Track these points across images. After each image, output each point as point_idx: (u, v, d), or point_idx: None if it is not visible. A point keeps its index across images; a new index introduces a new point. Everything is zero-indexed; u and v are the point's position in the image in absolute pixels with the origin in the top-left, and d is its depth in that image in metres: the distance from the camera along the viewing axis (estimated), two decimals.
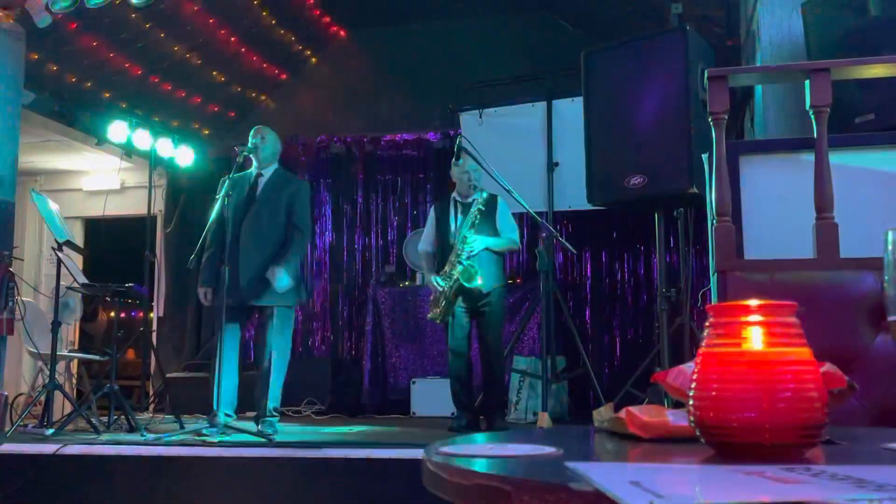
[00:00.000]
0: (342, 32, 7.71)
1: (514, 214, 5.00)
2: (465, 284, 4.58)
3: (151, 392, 6.65)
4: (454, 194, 4.91)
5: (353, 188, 7.48)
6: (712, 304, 0.94)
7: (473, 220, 4.71)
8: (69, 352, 6.27)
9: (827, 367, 0.91)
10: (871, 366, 1.49)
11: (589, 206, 4.74)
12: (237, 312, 4.39)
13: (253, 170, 4.61)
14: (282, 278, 4.29)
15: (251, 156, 4.53)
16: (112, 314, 6.77)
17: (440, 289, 4.65)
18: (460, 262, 4.61)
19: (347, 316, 7.33)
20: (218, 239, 4.44)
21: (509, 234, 4.80)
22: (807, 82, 2.07)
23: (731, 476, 0.66)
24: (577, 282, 6.87)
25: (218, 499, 3.60)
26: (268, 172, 4.58)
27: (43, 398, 4.66)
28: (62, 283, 4.87)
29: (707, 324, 0.87)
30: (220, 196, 4.36)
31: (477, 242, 4.65)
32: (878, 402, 1.47)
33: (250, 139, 4.54)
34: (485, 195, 4.73)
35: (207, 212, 4.66)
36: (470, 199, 4.78)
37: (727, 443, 0.82)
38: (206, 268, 4.49)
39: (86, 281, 5.08)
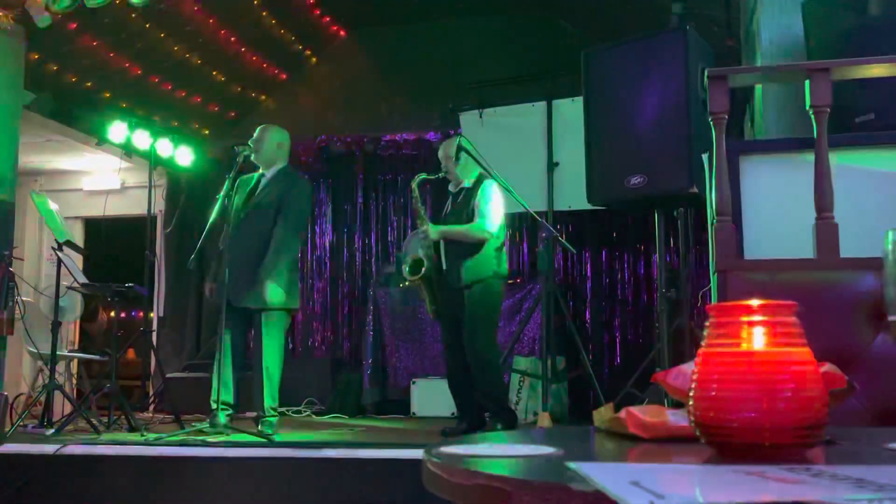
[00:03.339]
0: (342, 32, 7.71)
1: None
2: (406, 275, 4.40)
3: (151, 392, 6.65)
4: (450, 185, 4.69)
5: (353, 188, 7.48)
6: (712, 304, 0.94)
7: (448, 208, 4.58)
8: (69, 352, 6.28)
9: (827, 367, 0.91)
10: (871, 366, 1.48)
11: (589, 206, 4.73)
12: (236, 313, 4.38)
13: (259, 171, 4.60)
14: (272, 292, 4.26)
15: (252, 158, 4.51)
16: (112, 314, 6.76)
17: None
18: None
19: (347, 316, 7.33)
20: (217, 239, 4.43)
21: (477, 220, 4.39)
22: (807, 82, 2.07)
23: (731, 476, 0.66)
24: (577, 282, 6.87)
25: (218, 499, 3.60)
26: (271, 172, 4.56)
27: (43, 398, 4.66)
28: (62, 283, 4.87)
29: (707, 324, 0.87)
30: (220, 196, 4.35)
31: (430, 230, 4.42)
32: (878, 402, 1.47)
33: (250, 141, 4.53)
34: (470, 183, 4.48)
35: (207, 212, 4.65)
36: (458, 189, 4.60)
37: (727, 443, 0.82)
38: (208, 265, 4.52)
39: (86, 281, 5.08)
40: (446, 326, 4.56)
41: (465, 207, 4.48)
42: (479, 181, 4.49)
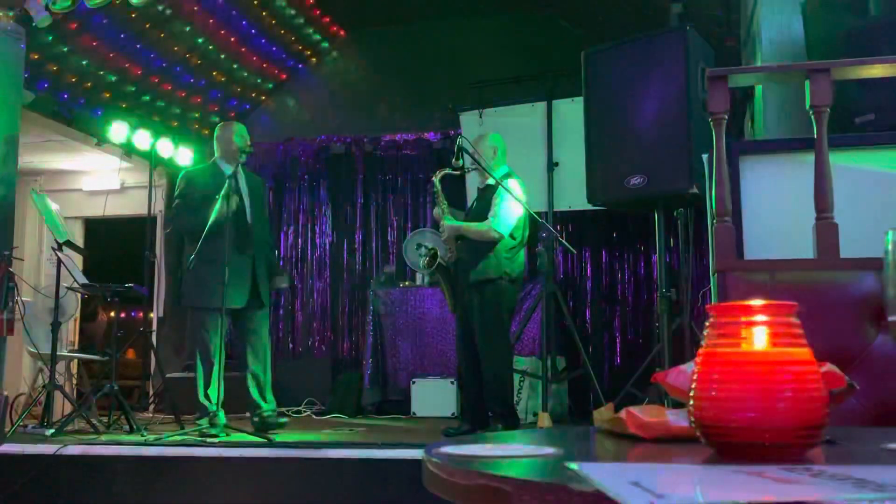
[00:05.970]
0: (342, 32, 7.71)
1: None
2: (422, 268, 4.61)
3: (151, 392, 6.65)
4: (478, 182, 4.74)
5: (353, 188, 7.49)
6: (712, 304, 0.94)
7: (471, 206, 4.64)
8: (69, 352, 6.27)
9: (827, 367, 0.91)
10: (871, 366, 1.48)
11: (589, 206, 4.73)
12: (221, 313, 4.34)
13: (226, 169, 4.57)
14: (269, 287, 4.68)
15: (242, 159, 4.52)
16: (112, 314, 6.76)
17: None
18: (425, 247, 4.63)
19: (347, 316, 7.33)
20: (211, 240, 4.35)
21: (489, 220, 4.38)
22: (807, 82, 2.07)
23: (731, 476, 0.66)
24: (577, 282, 6.87)
25: (218, 499, 3.60)
26: (239, 172, 4.55)
27: (43, 398, 4.65)
28: (62, 283, 4.86)
29: (707, 324, 0.87)
30: (220, 196, 4.32)
31: (445, 226, 4.50)
32: (878, 402, 1.47)
33: (245, 141, 4.55)
34: (494, 181, 4.43)
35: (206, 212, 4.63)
36: (483, 185, 4.60)
37: (727, 443, 0.82)
38: (196, 271, 4.39)
39: (86, 281, 5.08)
40: (459, 322, 4.62)
41: (486, 205, 4.48)
42: (502, 180, 4.44)
